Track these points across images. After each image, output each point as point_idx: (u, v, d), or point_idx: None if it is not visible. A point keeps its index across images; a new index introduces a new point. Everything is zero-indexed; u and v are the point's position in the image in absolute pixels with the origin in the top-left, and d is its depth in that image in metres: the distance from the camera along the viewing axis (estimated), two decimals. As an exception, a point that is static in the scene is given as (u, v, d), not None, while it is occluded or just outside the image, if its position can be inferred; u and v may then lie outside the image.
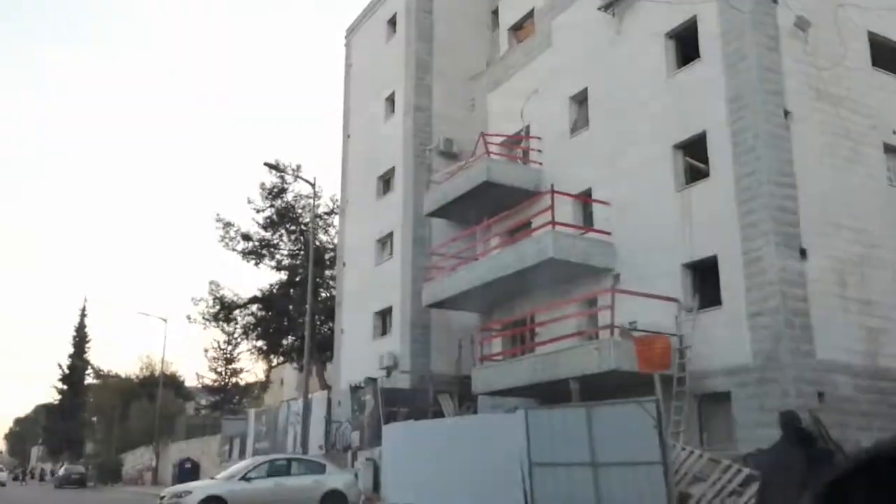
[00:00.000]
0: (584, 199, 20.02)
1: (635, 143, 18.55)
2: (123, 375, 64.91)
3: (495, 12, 27.62)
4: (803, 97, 16.23)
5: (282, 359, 43.15)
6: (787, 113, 15.80)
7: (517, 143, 23.54)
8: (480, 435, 16.68)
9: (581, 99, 20.99)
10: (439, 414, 22.66)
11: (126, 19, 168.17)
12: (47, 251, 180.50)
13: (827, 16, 17.07)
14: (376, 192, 29.28)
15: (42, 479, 70.59)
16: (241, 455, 33.75)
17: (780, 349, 14.44)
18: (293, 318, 39.22)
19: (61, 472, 53.14)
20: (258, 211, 39.81)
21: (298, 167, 37.89)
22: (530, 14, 24.14)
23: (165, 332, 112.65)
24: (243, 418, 39.04)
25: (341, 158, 32.42)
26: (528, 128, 22.86)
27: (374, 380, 24.67)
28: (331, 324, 34.24)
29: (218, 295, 41.06)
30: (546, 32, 22.61)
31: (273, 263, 40.58)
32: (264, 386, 55.33)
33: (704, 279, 16.61)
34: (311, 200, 37.08)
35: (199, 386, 58.58)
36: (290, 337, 40.36)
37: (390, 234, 27.87)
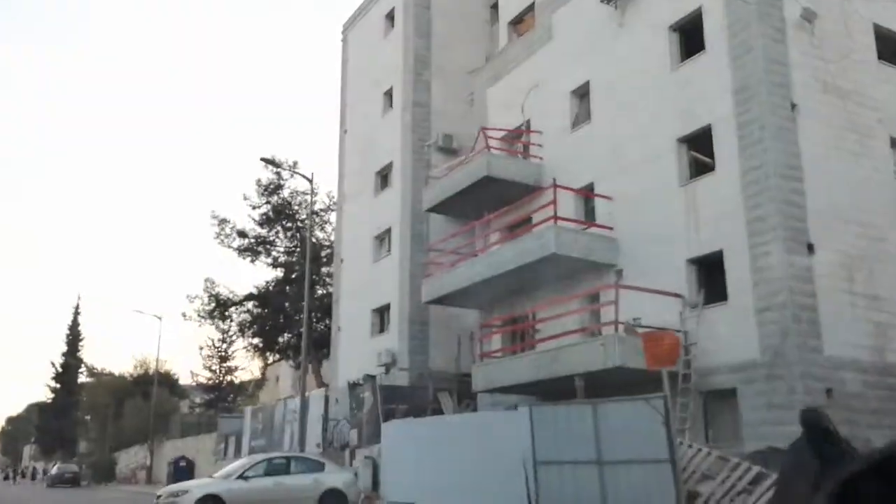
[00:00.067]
0: (587, 194, 19.78)
1: (638, 138, 18.32)
2: (117, 374, 64.51)
3: (494, 7, 27.37)
4: (810, 90, 16.01)
5: (278, 356, 42.86)
6: (793, 105, 15.58)
7: (517, 138, 23.28)
8: (482, 432, 16.44)
9: (583, 93, 20.74)
10: (438, 411, 22.41)
11: (125, 16, 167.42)
12: (44, 250, 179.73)
13: (833, 8, 16.87)
14: (374, 188, 29.01)
15: (34, 478, 70.06)
16: (237, 453, 33.44)
17: (787, 345, 14.23)
18: (289, 315, 38.95)
19: (54, 470, 52.61)
20: (254, 207, 39.57)
21: (295, 164, 37.61)
22: (531, 7, 23.89)
23: (160, 330, 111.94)
24: (239, 416, 38.72)
25: (338, 154, 32.15)
26: (528, 122, 22.60)
27: (372, 377, 24.42)
28: (327, 321, 33.95)
29: (213, 292, 40.76)
30: (547, 26, 22.35)
31: (269, 260, 40.33)
32: (259, 384, 54.99)
33: (709, 274, 16.39)
34: (307, 197, 36.87)
35: (194, 384, 58.22)
36: (286, 334, 40.09)
37: (388, 231, 27.62)
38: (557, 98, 21.36)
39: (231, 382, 56.36)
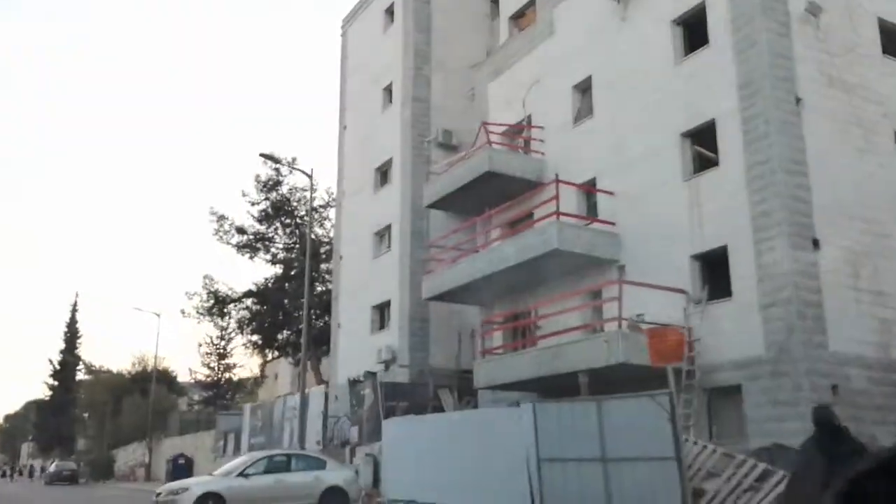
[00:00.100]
0: (589, 189, 19.65)
1: (641, 132, 18.18)
2: (115, 371, 64.34)
3: (495, 1, 27.20)
4: (815, 84, 15.88)
5: (277, 353, 42.72)
6: (798, 100, 15.45)
7: (519, 133, 23.13)
8: (484, 429, 16.32)
9: (585, 87, 20.60)
10: (439, 408, 22.30)
11: (124, 14, 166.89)
12: (43, 250, 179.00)
13: (838, 1, 16.74)
14: (373, 185, 28.87)
15: (31, 475, 69.88)
16: (237, 451, 33.33)
17: (792, 341, 14.11)
18: (288, 312, 38.80)
19: (52, 468, 52.36)
20: (253, 204, 39.37)
21: (294, 160, 37.43)
22: (532, 2, 23.71)
23: (159, 328, 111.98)
24: (238, 413, 38.61)
25: (337, 150, 31.99)
26: (529, 117, 22.46)
27: (373, 374, 24.31)
28: (327, 318, 33.83)
29: (212, 289, 40.58)
30: (548, 20, 22.20)
31: (268, 257, 40.16)
32: (258, 381, 54.89)
33: (713, 270, 16.27)
34: (306, 194, 36.68)
35: (192, 381, 58.10)
36: (285, 331, 39.94)
37: (388, 227, 27.48)
38: (559, 93, 21.22)
39: (229, 380, 56.25)
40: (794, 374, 14.01)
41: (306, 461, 18.26)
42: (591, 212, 19.57)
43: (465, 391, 22.93)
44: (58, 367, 74.27)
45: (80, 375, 72.17)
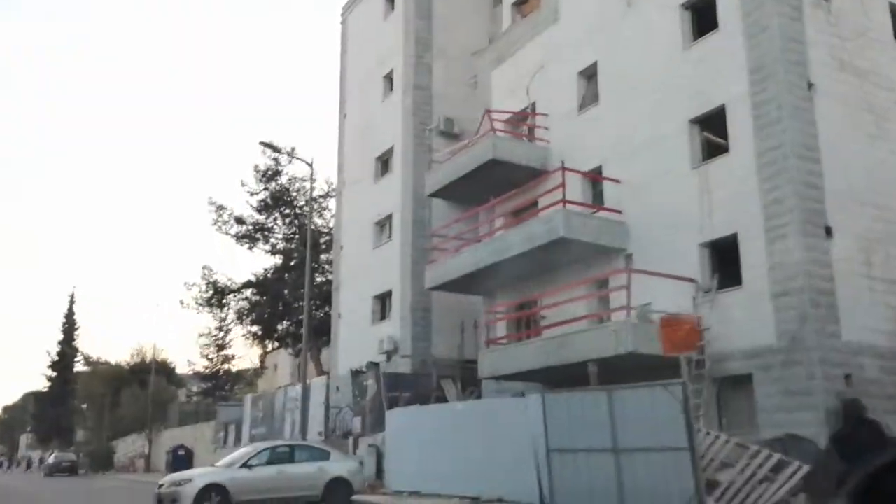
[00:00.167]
0: (595, 177, 19.38)
1: (648, 119, 17.91)
2: (113, 363, 64.11)
3: (497, -12, 26.85)
4: (826, 69, 15.60)
5: (277, 344, 42.51)
6: (810, 85, 15.17)
7: (523, 121, 22.83)
8: (489, 420, 16.14)
9: (590, 74, 20.30)
10: (442, 399, 22.10)
11: (124, 10, 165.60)
12: (43, 249, 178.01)
13: (849, -15, 16.44)
14: (374, 174, 28.57)
15: (29, 467, 69.73)
16: (237, 442, 33.15)
17: (805, 330, 13.88)
18: (288, 302, 38.58)
19: (51, 459, 52.22)
20: (252, 194, 39.10)
21: (293, 149, 37.10)
22: (535, -12, 23.37)
23: (157, 319, 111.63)
24: (238, 404, 38.41)
25: (338, 140, 31.67)
26: (533, 105, 22.16)
27: (376, 364, 24.09)
28: (327, 308, 33.58)
29: (211, 280, 40.34)
30: (553, 6, 21.87)
31: (267, 247, 39.92)
32: (258, 372, 54.69)
33: (723, 259, 16.03)
34: (305, 183, 36.42)
35: (191, 373, 57.89)
36: (285, 322, 39.72)
37: (389, 216, 27.21)
38: (564, 80, 20.91)
39: (228, 371, 56.06)
40: (808, 363, 13.79)
41: (310, 452, 18.04)
42: (597, 200, 19.31)
43: (469, 381, 22.74)
44: (56, 358, 74.07)
45: (79, 367, 72.04)
